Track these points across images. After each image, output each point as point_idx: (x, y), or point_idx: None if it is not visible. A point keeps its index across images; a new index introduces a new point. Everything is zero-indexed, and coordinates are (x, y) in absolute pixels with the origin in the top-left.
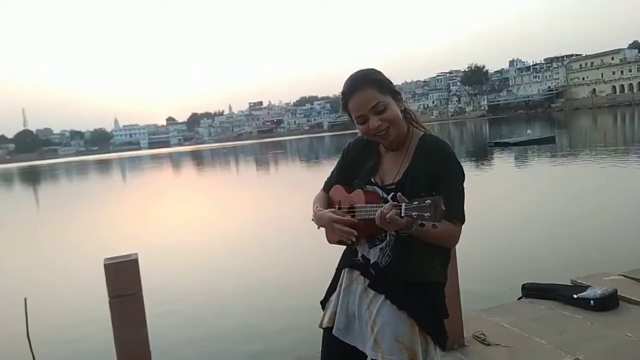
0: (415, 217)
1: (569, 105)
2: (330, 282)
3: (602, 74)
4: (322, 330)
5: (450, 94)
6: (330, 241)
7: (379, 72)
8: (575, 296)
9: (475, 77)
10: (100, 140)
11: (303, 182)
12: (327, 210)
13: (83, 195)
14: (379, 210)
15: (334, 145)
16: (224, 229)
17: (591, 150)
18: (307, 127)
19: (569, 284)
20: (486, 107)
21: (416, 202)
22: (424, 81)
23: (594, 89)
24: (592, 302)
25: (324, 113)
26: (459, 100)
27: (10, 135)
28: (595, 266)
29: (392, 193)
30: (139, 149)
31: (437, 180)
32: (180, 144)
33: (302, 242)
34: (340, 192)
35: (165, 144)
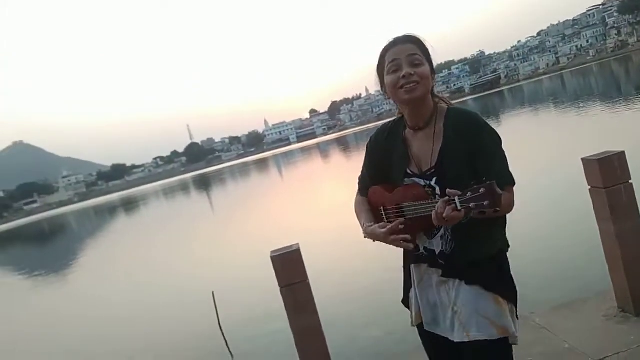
0: (473, 207)
1: None
2: (403, 281)
3: None
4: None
5: (608, 27)
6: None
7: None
8: None
9: (636, 2)
10: (255, 141)
11: None
12: (376, 226)
13: (249, 193)
14: (433, 212)
15: (478, 108)
16: None
17: None
18: (448, 94)
19: None
20: None
21: (470, 193)
22: (574, 20)
23: None
24: None
25: (463, 76)
26: (618, 33)
27: (180, 150)
28: None
29: (435, 178)
30: (289, 144)
31: (476, 154)
32: (325, 134)
33: None
34: (380, 194)
35: (312, 135)
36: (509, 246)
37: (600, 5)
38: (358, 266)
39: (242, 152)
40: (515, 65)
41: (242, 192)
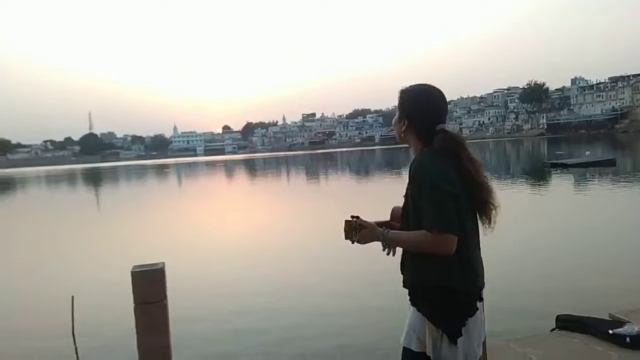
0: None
1: (635, 126)
2: None
3: None
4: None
5: (508, 111)
6: None
7: (409, 92)
8: (611, 332)
9: (535, 94)
10: (159, 145)
11: (350, 196)
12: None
13: (139, 198)
14: None
15: (384, 159)
16: (264, 239)
17: None
18: (359, 140)
19: (607, 317)
20: (545, 126)
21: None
22: (480, 97)
23: None
24: (628, 339)
25: (376, 126)
26: (516, 118)
27: (76, 138)
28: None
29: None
30: (196, 155)
31: (414, 195)
32: (234, 152)
33: (336, 255)
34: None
35: (220, 151)
36: (450, 286)
37: (505, 89)
38: (229, 294)
39: (143, 153)
40: None
41: (135, 195)
